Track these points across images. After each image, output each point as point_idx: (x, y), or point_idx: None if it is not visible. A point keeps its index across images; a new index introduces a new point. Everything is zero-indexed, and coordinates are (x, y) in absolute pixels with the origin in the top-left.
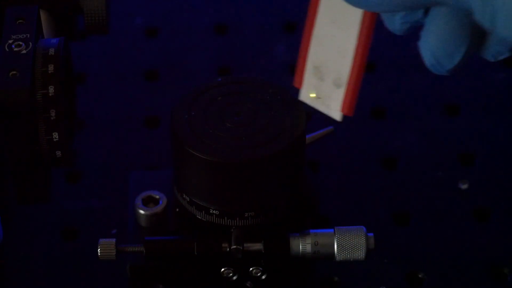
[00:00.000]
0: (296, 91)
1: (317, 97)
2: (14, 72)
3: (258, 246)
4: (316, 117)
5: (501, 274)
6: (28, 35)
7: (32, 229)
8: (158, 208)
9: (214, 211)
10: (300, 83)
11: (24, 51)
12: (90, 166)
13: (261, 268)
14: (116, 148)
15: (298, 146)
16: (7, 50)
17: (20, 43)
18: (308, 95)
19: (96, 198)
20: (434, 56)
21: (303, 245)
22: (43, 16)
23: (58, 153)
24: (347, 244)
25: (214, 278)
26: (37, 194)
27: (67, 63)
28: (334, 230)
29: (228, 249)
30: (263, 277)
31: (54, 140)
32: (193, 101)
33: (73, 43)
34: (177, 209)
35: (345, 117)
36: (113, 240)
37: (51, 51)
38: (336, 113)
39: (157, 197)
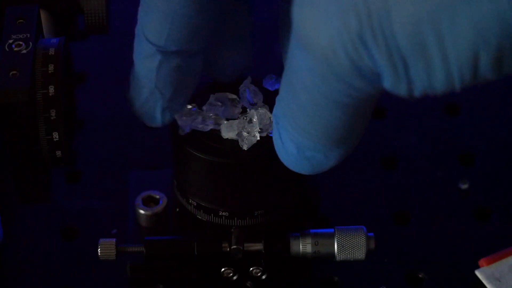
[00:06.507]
0: None
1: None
2: (14, 72)
3: (258, 246)
4: None
5: None
6: (28, 35)
7: (32, 229)
8: (158, 208)
9: (223, 213)
10: (488, 264)
11: (24, 51)
12: (90, 166)
13: (261, 268)
14: (116, 148)
15: None
16: (7, 50)
17: (20, 43)
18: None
19: (96, 198)
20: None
21: (303, 245)
22: (43, 16)
23: (58, 153)
24: (347, 244)
25: (214, 278)
26: (37, 194)
27: (67, 63)
28: (334, 230)
29: (228, 249)
30: (263, 277)
31: (54, 140)
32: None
33: (73, 43)
34: (177, 209)
35: None
36: (113, 240)
37: (51, 51)
38: None
39: (157, 197)
